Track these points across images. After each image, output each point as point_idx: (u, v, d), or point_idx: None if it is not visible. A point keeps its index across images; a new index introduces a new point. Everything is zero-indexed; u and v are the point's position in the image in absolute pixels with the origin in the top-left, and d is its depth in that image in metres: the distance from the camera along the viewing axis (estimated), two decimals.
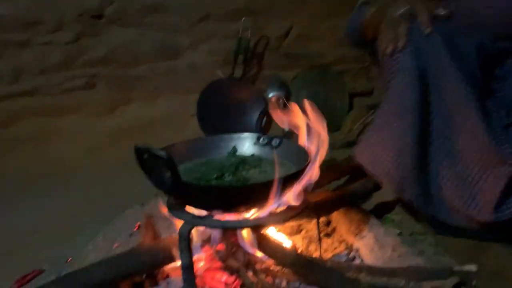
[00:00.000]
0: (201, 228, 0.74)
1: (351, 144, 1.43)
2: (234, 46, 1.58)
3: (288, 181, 0.68)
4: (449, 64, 0.79)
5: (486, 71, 0.84)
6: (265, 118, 1.43)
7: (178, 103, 1.66)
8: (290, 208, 0.71)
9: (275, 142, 0.85)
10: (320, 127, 0.78)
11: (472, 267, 0.71)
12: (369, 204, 1.04)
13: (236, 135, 0.89)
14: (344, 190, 1.01)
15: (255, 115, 1.47)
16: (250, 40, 1.60)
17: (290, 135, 0.86)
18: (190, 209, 0.71)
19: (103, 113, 1.62)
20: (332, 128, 1.60)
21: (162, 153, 0.61)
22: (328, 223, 0.96)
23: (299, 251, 0.86)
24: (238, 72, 1.60)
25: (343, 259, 0.84)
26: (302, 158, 0.74)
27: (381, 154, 0.82)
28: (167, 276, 0.79)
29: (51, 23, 1.51)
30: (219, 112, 1.53)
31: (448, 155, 0.79)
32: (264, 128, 1.44)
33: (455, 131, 0.79)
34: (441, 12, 0.81)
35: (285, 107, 1.54)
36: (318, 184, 0.80)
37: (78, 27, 1.53)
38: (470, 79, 0.79)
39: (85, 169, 1.42)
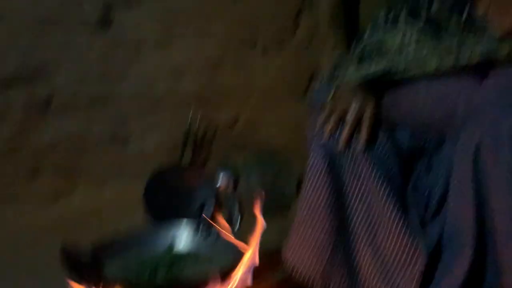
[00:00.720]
0: None
1: None
2: (183, 134, 1.62)
3: (226, 275, 0.66)
4: (366, 161, 0.84)
5: (408, 167, 0.90)
6: (213, 207, 1.42)
7: (126, 191, 1.63)
8: None
9: (213, 234, 0.85)
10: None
11: None
12: None
13: (176, 225, 0.87)
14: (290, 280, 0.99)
15: (203, 203, 1.46)
16: (199, 128, 1.64)
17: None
18: None
19: (45, 203, 1.57)
20: (281, 212, 1.61)
21: (86, 251, 0.59)
22: None
23: None
24: (186, 159, 1.62)
25: None
26: (238, 252, 0.73)
27: (302, 252, 0.83)
28: None
29: None
30: (167, 199, 1.52)
31: (369, 248, 0.81)
32: (212, 215, 1.42)
33: (374, 226, 0.81)
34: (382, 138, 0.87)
35: (233, 193, 1.55)
36: (261, 274, 0.79)
37: (23, 116, 1.53)
38: (389, 179, 0.84)
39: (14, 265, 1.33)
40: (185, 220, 0.87)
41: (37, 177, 1.56)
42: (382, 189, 0.84)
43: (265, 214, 1.01)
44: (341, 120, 0.90)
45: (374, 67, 0.98)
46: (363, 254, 0.83)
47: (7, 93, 1.52)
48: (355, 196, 0.85)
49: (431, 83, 0.95)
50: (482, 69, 0.92)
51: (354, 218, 0.84)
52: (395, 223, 0.81)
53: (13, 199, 1.54)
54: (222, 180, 1.59)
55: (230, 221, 1.06)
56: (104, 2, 1.56)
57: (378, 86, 0.96)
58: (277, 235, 0.92)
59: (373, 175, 0.85)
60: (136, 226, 1.30)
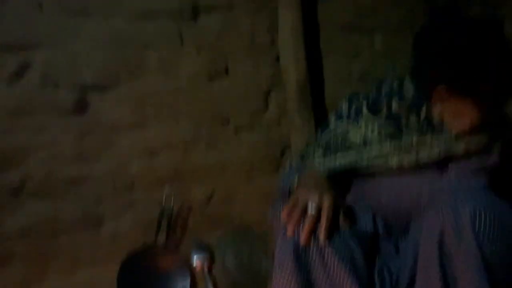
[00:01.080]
0: None
1: None
2: (158, 213, 1.62)
3: None
4: (331, 250, 0.89)
5: (374, 249, 0.94)
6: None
7: (99, 275, 1.60)
8: None
9: None
10: None
11: None
12: None
13: None
14: None
15: (179, 284, 1.45)
16: (173, 206, 1.65)
17: None
18: None
19: None
20: None
21: None
22: None
23: None
24: (161, 239, 1.61)
25: None
26: None
27: None
28: None
29: None
30: (142, 282, 1.50)
31: None
32: None
33: None
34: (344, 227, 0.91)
35: (209, 273, 1.55)
36: None
37: None
38: (354, 266, 0.89)
39: None
40: None
41: (6, 265, 1.51)
42: (348, 278, 0.87)
43: None
44: (304, 212, 0.93)
45: (339, 161, 1.04)
46: None
47: None
48: (323, 285, 0.88)
49: (394, 177, 1.02)
50: (443, 161, 0.99)
51: None
52: None
53: None
54: (197, 260, 1.59)
55: None
56: (80, 86, 1.60)
57: (344, 175, 1.02)
58: None
59: (338, 264, 0.88)
60: None
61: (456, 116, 0.96)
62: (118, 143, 1.66)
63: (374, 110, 1.06)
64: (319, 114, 1.84)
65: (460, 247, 0.83)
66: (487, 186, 0.99)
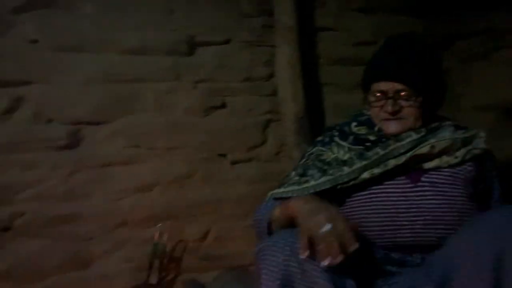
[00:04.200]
0: None
1: None
2: (150, 252, 1.56)
3: None
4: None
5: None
6: None
7: None
8: None
9: None
10: None
11: None
12: None
13: None
14: None
15: None
16: (166, 245, 1.58)
17: None
18: None
19: None
20: None
21: None
22: None
23: None
24: (153, 279, 1.54)
25: None
26: None
27: None
28: None
29: None
30: None
31: None
32: None
33: None
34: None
35: None
36: None
37: None
38: None
39: None
40: None
41: None
42: None
43: None
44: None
45: (316, 181, 1.12)
46: None
47: None
48: None
49: (371, 191, 1.11)
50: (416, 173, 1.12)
51: None
52: None
53: None
54: None
55: None
56: (73, 122, 1.58)
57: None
58: None
59: None
60: None
61: (385, 129, 1.15)
62: (111, 180, 1.62)
63: (344, 137, 1.21)
64: None
65: None
66: (462, 194, 1.10)
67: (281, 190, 1.15)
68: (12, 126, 1.52)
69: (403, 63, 1.12)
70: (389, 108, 1.12)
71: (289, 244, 0.92)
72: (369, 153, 1.12)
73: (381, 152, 1.11)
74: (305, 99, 1.81)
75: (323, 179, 1.11)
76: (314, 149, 1.25)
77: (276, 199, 1.15)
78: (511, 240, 0.84)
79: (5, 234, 1.49)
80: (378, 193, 1.11)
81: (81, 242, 1.57)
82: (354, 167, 1.10)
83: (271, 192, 1.20)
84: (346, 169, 1.10)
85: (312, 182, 1.11)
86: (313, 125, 1.81)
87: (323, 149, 1.22)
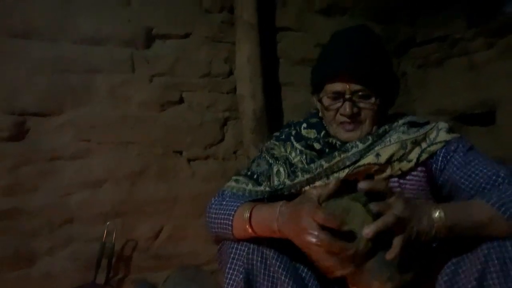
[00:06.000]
0: None
1: None
2: (98, 250, 1.48)
3: None
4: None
5: None
6: None
7: None
8: None
9: None
10: None
11: None
12: None
13: None
14: None
15: None
16: (114, 244, 1.51)
17: None
18: None
19: None
20: None
21: None
22: None
23: None
24: (101, 278, 1.47)
25: None
26: None
27: None
28: None
29: None
30: None
31: None
32: None
33: None
34: None
35: None
36: None
37: None
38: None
39: None
40: None
41: None
42: None
43: None
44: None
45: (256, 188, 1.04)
46: None
47: None
48: None
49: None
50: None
51: None
52: None
53: None
54: None
55: None
56: (18, 111, 1.50)
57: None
58: None
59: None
60: None
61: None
62: (58, 174, 1.54)
63: (298, 137, 1.10)
64: None
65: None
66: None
67: (233, 184, 1.09)
68: None
69: (360, 61, 1.00)
70: (347, 111, 1.01)
71: (254, 239, 0.90)
72: (313, 166, 1.02)
73: (325, 165, 1.01)
74: (264, 98, 1.79)
75: (262, 188, 1.03)
76: (267, 144, 1.16)
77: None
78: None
79: None
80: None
81: (24, 239, 1.48)
82: (296, 180, 1.02)
83: (224, 187, 1.13)
84: (287, 183, 1.02)
85: (260, 188, 1.04)
86: (272, 124, 1.79)
87: (276, 143, 1.12)
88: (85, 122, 1.58)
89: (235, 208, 0.94)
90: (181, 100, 1.75)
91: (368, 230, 0.74)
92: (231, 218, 0.93)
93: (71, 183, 1.55)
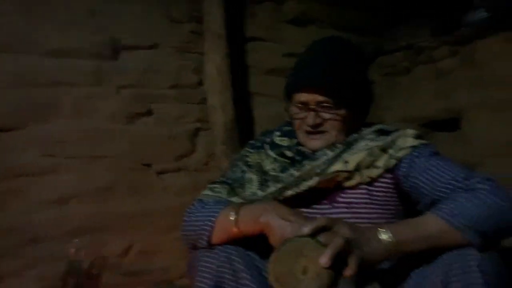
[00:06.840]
0: None
1: None
2: (65, 269, 1.43)
3: None
4: None
5: None
6: None
7: None
8: None
9: None
10: None
11: None
12: None
13: None
14: None
15: None
16: (81, 262, 1.46)
17: None
18: None
19: None
20: None
21: None
22: None
23: None
24: None
25: None
26: None
27: None
28: None
29: None
30: None
31: None
32: None
33: None
34: None
35: None
36: None
37: None
38: None
39: None
40: None
41: None
42: None
43: None
44: None
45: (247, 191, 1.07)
46: None
47: None
48: None
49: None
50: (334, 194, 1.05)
51: None
52: None
53: None
54: None
55: None
56: None
57: None
58: None
59: None
60: None
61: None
62: (22, 191, 1.48)
63: (272, 146, 1.14)
64: None
65: None
66: (381, 212, 1.02)
67: (209, 193, 1.08)
68: None
69: (326, 72, 1.04)
70: (310, 121, 1.05)
71: (224, 251, 0.90)
72: (284, 175, 1.05)
73: (296, 174, 1.04)
74: (234, 109, 1.78)
75: (235, 199, 1.05)
76: (243, 151, 1.19)
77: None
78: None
79: None
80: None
81: None
82: (268, 191, 1.04)
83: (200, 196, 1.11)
84: (259, 193, 1.04)
85: (233, 199, 1.06)
86: (243, 135, 1.78)
87: (251, 151, 1.15)
88: (50, 137, 1.53)
89: (218, 210, 0.97)
90: (149, 112, 1.72)
91: (324, 259, 0.75)
92: (214, 219, 0.95)
93: (36, 200, 1.49)
